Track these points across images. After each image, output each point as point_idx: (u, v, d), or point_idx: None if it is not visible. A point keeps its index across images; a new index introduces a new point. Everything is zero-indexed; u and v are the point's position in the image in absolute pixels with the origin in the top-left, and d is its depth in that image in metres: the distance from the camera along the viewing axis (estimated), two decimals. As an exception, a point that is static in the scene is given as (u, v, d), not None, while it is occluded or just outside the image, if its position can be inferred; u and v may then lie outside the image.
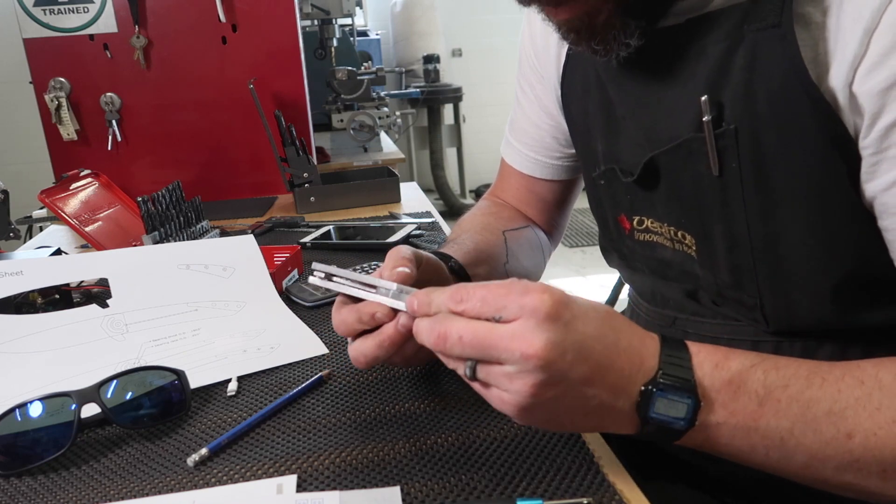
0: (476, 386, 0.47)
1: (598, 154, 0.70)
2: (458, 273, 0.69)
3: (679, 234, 0.63)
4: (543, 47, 0.78)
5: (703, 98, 0.55)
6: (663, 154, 0.60)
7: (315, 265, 0.57)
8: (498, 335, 0.44)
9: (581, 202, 0.95)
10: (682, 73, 0.58)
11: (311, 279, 0.57)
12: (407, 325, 0.51)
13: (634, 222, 0.68)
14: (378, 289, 0.53)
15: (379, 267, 0.58)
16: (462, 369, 0.46)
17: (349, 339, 0.57)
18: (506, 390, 0.45)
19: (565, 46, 0.74)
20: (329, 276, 0.56)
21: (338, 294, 0.58)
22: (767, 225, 0.56)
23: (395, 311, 0.53)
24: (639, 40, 0.56)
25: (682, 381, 0.46)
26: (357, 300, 0.55)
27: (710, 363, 0.47)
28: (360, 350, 0.54)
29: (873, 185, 0.51)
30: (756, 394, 0.46)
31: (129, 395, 0.59)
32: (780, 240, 0.56)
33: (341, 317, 0.56)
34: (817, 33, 0.50)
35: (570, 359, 0.43)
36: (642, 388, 0.46)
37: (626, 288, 0.85)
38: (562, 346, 0.43)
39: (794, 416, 0.46)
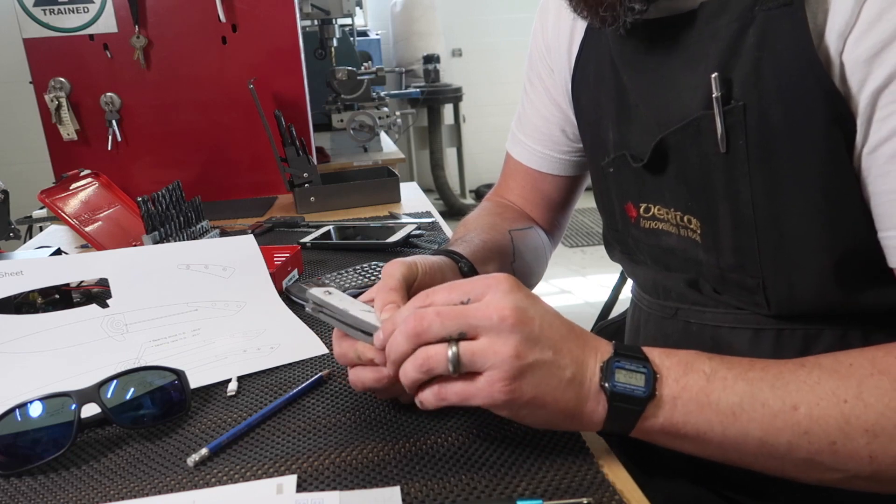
0: (461, 387, 0.48)
1: (609, 142, 0.71)
2: (469, 275, 0.69)
3: (685, 218, 0.64)
4: (555, 41, 0.79)
5: (713, 75, 0.56)
6: (672, 134, 0.61)
7: (311, 293, 0.56)
8: (473, 308, 0.48)
9: (582, 202, 0.95)
10: (695, 56, 0.59)
11: (308, 309, 0.57)
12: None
13: (641, 209, 0.68)
14: (367, 329, 0.53)
15: (379, 267, 0.58)
16: (444, 365, 0.47)
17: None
18: (491, 366, 0.46)
19: (578, 39, 0.75)
20: (319, 308, 0.55)
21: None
22: (772, 202, 0.57)
23: None
24: (643, 4, 0.57)
25: (637, 352, 0.50)
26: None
27: (658, 351, 0.51)
28: (360, 377, 0.56)
29: (863, 151, 0.52)
30: (703, 372, 0.50)
31: (129, 395, 0.59)
32: (784, 217, 0.57)
33: (342, 349, 0.57)
34: (816, 6, 0.51)
35: (539, 324, 0.48)
36: (602, 364, 0.49)
37: (627, 287, 0.85)
38: (530, 312, 0.48)
39: (742, 392, 0.49)
